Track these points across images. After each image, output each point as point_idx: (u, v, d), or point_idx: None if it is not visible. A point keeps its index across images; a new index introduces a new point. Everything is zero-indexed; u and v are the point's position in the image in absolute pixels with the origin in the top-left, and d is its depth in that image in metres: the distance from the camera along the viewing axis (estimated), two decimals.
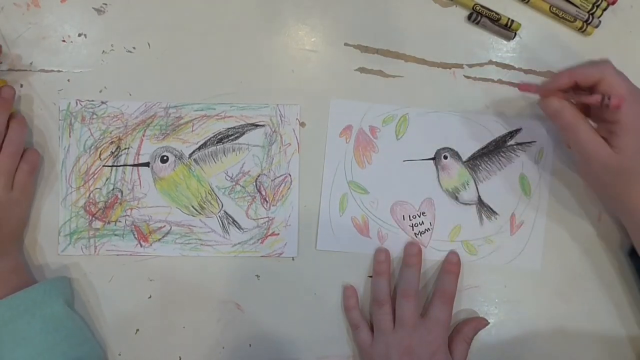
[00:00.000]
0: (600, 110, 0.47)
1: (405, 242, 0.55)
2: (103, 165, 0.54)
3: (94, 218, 0.54)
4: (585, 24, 0.55)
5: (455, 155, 0.56)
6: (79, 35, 0.55)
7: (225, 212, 0.55)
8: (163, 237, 0.54)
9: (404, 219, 0.55)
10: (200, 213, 0.55)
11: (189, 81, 0.55)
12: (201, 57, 0.55)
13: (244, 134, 0.55)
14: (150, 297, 0.54)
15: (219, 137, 0.55)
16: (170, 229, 0.55)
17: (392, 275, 0.55)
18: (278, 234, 0.55)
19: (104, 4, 0.55)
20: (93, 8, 0.55)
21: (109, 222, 0.54)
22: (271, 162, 0.55)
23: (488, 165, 0.56)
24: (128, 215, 0.54)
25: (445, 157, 0.55)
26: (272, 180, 0.55)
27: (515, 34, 0.56)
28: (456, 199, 0.56)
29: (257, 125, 0.55)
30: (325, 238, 0.55)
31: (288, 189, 0.55)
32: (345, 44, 0.55)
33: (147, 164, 0.55)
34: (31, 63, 0.54)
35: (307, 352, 0.55)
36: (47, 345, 0.48)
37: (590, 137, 0.46)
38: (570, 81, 0.47)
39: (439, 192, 0.55)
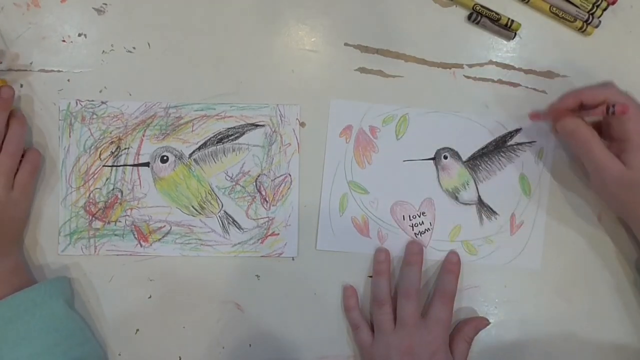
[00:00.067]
0: (608, 126, 0.49)
1: (406, 242, 0.55)
2: (103, 165, 0.54)
3: (94, 218, 0.54)
4: (585, 24, 0.55)
5: (455, 155, 0.56)
6: (79, 35, 0.55)
7: (225, 212, 0.55)
8: (163, 237, 0.54)
9: (404, 219, 0.55)
10: (200, 213, 0.55)
11: (189, 81, 0.55)
12: (201, 57, 0.55)
13: (244, 134, 0.55)
14: (150, 297, 0.54)
15: (219, 137, 0.55)
16: (170, 229, 0.55)
17: (392, 275, 0.55)
18: (278, 234, 0.55)
19: (104, 4, 0.55)
20: (93, 8, 0.55)
21: (109, 222, 0.54)
22: (271, 162, 0.55)
23: (488, 165, 0.56)
24: (128, 215, 0.54)
25: (445, 157, 0.55)
26: (272, 180, 0.55)
27: (515, 34, 0.56)
28: (456, 199, 0.56)
29: (257, 125, 0.55)
30: (325, 238, 0.55)
31: (288, 189, 0.55)
32: (345, 44, 0.55)
33: (147, 164, 0.55)
34: (31, 63, 0.54)
35: (307, 352, 0.55)
36: (47, 345, 0.48)
37: (603, 154, 0.48)
38: (576, 101, 0.49)
39: (439, 192, 0.56)
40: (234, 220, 0.55)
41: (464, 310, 0.55)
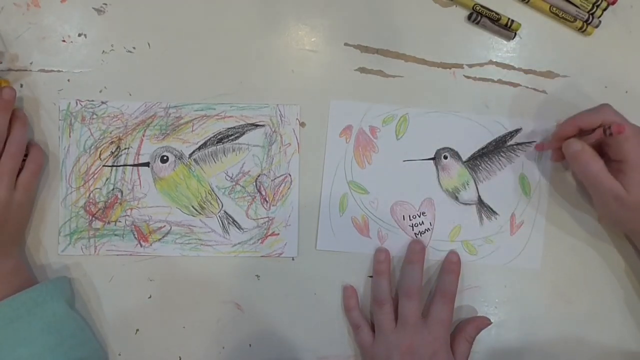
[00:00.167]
0: (607, 147, 0.50)
1: (406, 242, 0.55)
2: (103, 165, 0.54)
3: (94, 218, 0.54)
4: (585, 24, 0.55)
5: (455, 155, 0.56)
6: (79, 35, 0.55)
7: (225, 212, 0.55)
8: (163, 237, 0.54)
9: (404, 219, 0.55)
10: (200, 213, 0.55)
11: (189, 81, 0.55)
12: (201, 57, 0.55)
13: (244, 134, 0.55)
14: (150, 297, 0.54)
15: (219, 137, 0.55)
16: (170, 229, 0.55)
17: (392, 275, 0.55)
18: (278, 234, 0.55)
19: (104, 4, 0.55)
20: (93, 8, 0.55)
21: (109, 222, 0.54)
22: (271, 162, 0.55)
23: (488, 165, 0.56)
24: (128, 215, 0.54)
25: (445, 157, 0.55)
26: (272, 180, 0.55)
27: (515, 34, 0.56)
28: (456, 199, 0.56)
29: (257, 125, 0.55)
30: (325, 238, 0.55)
31: (288, 189, 0.55)
32: (345, 44, 0.55)
33: (147, 164, 0.55)
34: (31, 63, 0.54)
35: (307, 352, 0.55)
36: (48, 345, 0.48)
37: (603, 175, 0.49)
38: (574, 128, 0.51)
39: (439, 192, 0.56)
40: (234, 220, 0.55)
41: (464, 310, 0.55)
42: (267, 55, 0.55)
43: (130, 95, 0.55)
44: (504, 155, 0.56)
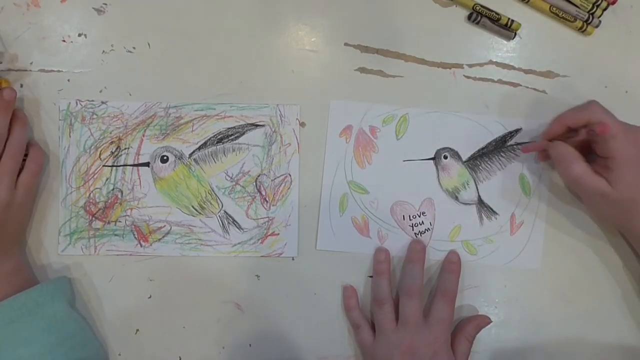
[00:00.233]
0: (595, 145, 0.50)
1: (406, 242, 0.55)
2: (103, 165, 0.54)
3: (94, 218, 0.54)
4: (585, 24, 0.55)
5: (455, 155, 0.56)
6: (79, 35, 0.55)
7: (225, 212, 0.55)
8: (163, 237, 0.54)
9: (404, 219, 0.55)
10: (200, 213, 0.55)
11: (189, 81, 0.55)
12: (201, 57, 0.55)
13: (244, 134, 0.55)
14: (150, 297, 0.54)
15: (219, 137, 0.55)
16: (170, 229, 0.55)
17: (392, 275, 0.55)
18: (278, 234, 0.55)
19: (104, 4, 0.55)
20: (93, 8, 0.55)
21: (109, 222, 0.54)
22: (271, 162, 0.55)
23: (488, 165, 0.56)
24: (128, 215, 0.54)
25: (445, 157, 0.55)
26: (272, 180, 0.55)
27: (515, 34, 0.56)
28: (456, 199, 0.56)
29: (257, 125, 0.55)
30: (325, 238, 0.55)
31: (288, 189, 0.55)
32: (345, 44, 0.55)
33: (147, 164, 0.55)
34: (31, 63, 0.54)
35: (307, 352, 0.55)
36: (49, 345, 0.48)
37: (588, 176, 0.49)
38: (562, 127, 0.51)
39: (439, 192, 0.56)
40: (234, 220, 0.55)
41: (465, 310, 0.55)
42: (267, 55, 0.55)
43: (130, 95, 0.55)
44: (504, 155, 0.56)
